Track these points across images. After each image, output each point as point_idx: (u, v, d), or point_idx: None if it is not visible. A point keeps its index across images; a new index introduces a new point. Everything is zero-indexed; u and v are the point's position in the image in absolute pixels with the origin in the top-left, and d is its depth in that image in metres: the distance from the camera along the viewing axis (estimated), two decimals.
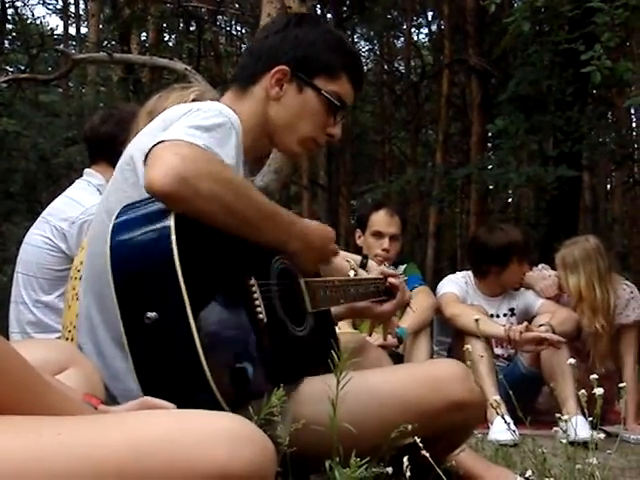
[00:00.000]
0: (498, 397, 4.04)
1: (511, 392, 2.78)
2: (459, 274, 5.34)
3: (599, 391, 2.08)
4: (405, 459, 1.69)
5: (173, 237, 1.73)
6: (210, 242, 1.86)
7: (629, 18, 6.72)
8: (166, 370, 1.75)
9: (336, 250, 2.33)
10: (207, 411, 1.30)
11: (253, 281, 1.95)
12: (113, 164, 2.23)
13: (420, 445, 1.80)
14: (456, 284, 5.14)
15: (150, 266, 1.78)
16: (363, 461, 1.65)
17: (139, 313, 1.72)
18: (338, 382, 1.76)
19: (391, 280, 2.72)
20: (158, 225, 1.78)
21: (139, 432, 1.20)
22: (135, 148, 2.08)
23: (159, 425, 1.23)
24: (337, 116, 2.38)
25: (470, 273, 5.23)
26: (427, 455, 1.76)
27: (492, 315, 5.04)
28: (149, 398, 1.54)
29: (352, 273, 2.76)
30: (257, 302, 1.94)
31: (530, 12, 7.26)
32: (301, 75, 2.32)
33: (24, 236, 3.83)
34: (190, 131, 1.88)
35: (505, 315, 5.07)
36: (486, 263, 5.05)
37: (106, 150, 3.67)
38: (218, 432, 1.21)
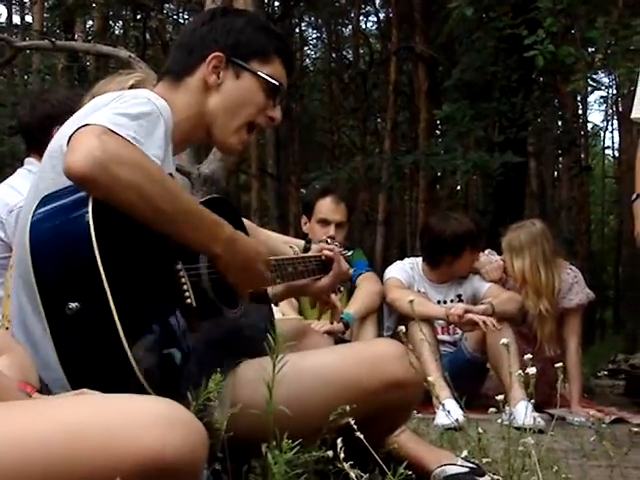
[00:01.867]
0: (441, 380, 4.07)
1: (453, 376, 2.80)
2: (406, 260, 5.35)
3: (532, 370, 2.09)
4: (339, 440, 1.68)
5: (91, 223, 1.70)
6: (131, 229, 1.82)
7: (571, 4, 6.79)
8: (91, 360, 1.73)
9: (267, 274, 2.26)
10: (137, 395, 1.29)
11: (180, 266, 1.93)
12: None
13: (354, 427, 1.78)
14: (402, 270, 5.15)
15: (69, 255, 1.75)
16: (295, 443, 1.63)
17: (61, 304, 1.69)
18: (274, 365, 1.74)
19: (325, 252, 2.70)
20: (77, 212, 1.75)
21: (68, 417, 1.19)
22: (64, 135, 2.03)
23: (88, 409, 1.22)
24: (276, 98, 2.37)
25: (418, 260, 5.24)
26: (362, 437, 1.74)
27: (439, 302, 5.06)
28: (87, 390, 1.52)
29: (292, 252, 2.74)
30: (185, 287, 1.92)
31: None
32: (236, 60, 2.30)
33: None
34: (116, 118, 1.85)
35: (452, 301, 5.09)
36: (440, 253, 5.06)
37: (41, 139, 3.61)
38: (148, 415, 1.20)
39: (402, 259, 5.54)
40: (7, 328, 2.44)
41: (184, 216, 1.90)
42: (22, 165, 3.88)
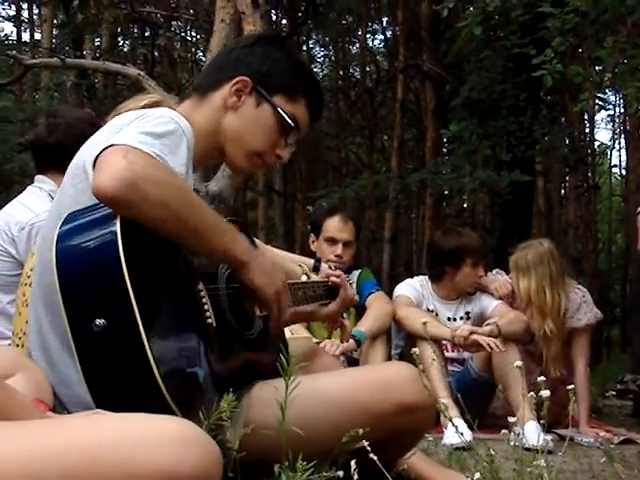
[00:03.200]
0: (449, 400, 4.06)
1: (460, 396, 2.79)
2: (416, 278, 5.36)
3: (545, 393, 2.09)
4: (353, 462, 1.68)
5: (119, 242, 1.71)
6: (157, 247, 1.85)
7: (579, 23, 6.80)
8: (117, 377, 1.74)
9: (285, 282, 2.28)
10: (153, 414, 1.29)
11: (201, 286, 1.95)
12: (64, 170, 2.20)
13: (368, 448, 1.78)
14: (412, 287, 5.16)
15: (97, 273, 1.76)
16: (309, 465, 1.64)
17: (87, 320, 1.70)
18: (287, 386, 1.74)
19: (332, 279, 2.71)
20: (104, 231, 1.77)
21: (83, 436, 1.19)
22: (86, 153, 2.05)
23: (104, 428, 1.22)
24: (289, 138, 2.38)
25: (427, 277, 5.25)
26: (375, 458, 1.75)
27: (449, 319, 5.07)
28: (101, 411, 1.52)
29: (304, 278, 2.76)
30: (206, 307, 1.94)
31: (482, 17, 7.32)
32: (261, 90, 2.31)
33: None
34: (140, 137, 1.87)
35: (462, 319, 5.10)
36: (440, 264, 5.07)
37: (56, 158, 3.62)
38: (164, 435, 1.20)
39: (409, 277, 5.55)
40: (17, 345, 2.45)
41: (211, 229, 1.94)
42: (32, 182, 3.90)
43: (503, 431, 2.64)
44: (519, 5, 7.83)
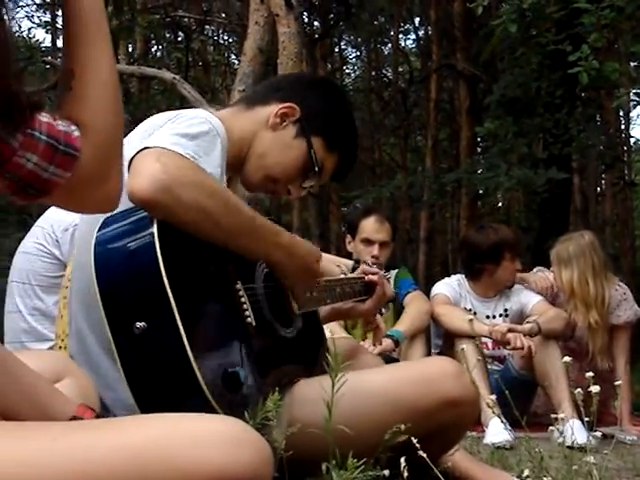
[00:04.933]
0: (493, 397, 4.05)
1: (501, 394, 2.77)
2: (453, 277, 5.34)
3: (595, 389, 2.07)
4: (402, 460, 1.68)
5: (157, 245, 1.72)
6: (195, 248, 1.86)
7: (615, 19, 6.74)
8: (158, 378, 1.75)
9: (319, 271, 2.29)
10: (204, 414, 1.29)
11: (240, 285, 1.95)
12: None
13: (417, 445, 1.78)
14: (449, 286, 5.15)
15: (136, 275, 1.77)
16: (360, 462, 1.63)
17: (127, 323, 1.71)
18: (333, 384, 1.74)
19: (369, 277, 2.71)
20: (141, 234, 1.78)
21: (134, 436, 1.19)
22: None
23: (156, 428, 1.22)
24: (307, 181, 2.39)
25: (464, 276, 5.23)
26: (424, 455, 1.74)
27: (488, 317, 5.05)
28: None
29: (341, 276, 2.76)
30: (245, 306, 1.94)
31: (517, 14, 7.28)
32: (305, 124, 2.32)
33: (15, 248, 3.79)
34: (174, 139, 1.87)
35: (500, 316, 5.07)
36: (479, 262, 5.05)
37: None
38: (215, 435, 1.20)
39: (445, 277, 5.54)
40: (60, 347, 2.47)
41: (247, 229, 1.95)
42: None
43: (550, 428, 2.62)
44: (554, 1, 7.79)
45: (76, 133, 1.31)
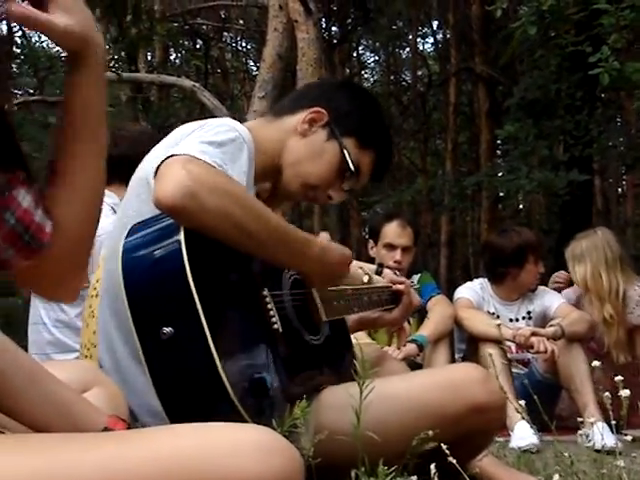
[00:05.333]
0: (522, 402, 4.03)
1: (526, 398, 2.76)
2: (475, 281, 5.32)
3: (625, 393, 2.05)
4: (432, 466, 1.67)
5: (184, 251, 1.73)
6: (221, 254, 1.86)
7: (635, 19, 6.71)
8: (185, 384, 1.75)
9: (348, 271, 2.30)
10: (233, 423, 1.29)
11: (266, 292, 1.95)
12: (126, 184, 2.23)
13: (447, 452, 1.77)
14: (472, 290, 5.13)
15: (163, 281, 1.78)
16: (391, 470, 1.63)
17: (155, 329, 1.72)
18: (361, 391, 1.74)
19: (396, 286, 2.71)
20: (168, 240, 1.78)
21: (164, 446, 1.19)
22: (148, 164, 2.07)
23: (186, 438, 1.21)
24: (345, 183, 2.37)
25: (486, 280, 5.22)
26: (454, 462, 1.74)
27: (511, 319, 5.03)
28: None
29: (366, 278, 2.75)
30: (272, 312, 1.94)
31: (536, 16, 7.26)
32: (334, 127, 2.31)
33: None
34: (201, 147, 1.88)
35: (524, 319, 5.05)
36: (503, 266, 5.02)
37: (120, 171, 3.66)
38: (246, 444, 1.20)
39: (466, 280, 5.52)
40: (86, 356, 2.48)
41: (275, 238, 1.93)
42: None
43: (580, 432, 2.61)
44: (573, 3, 7.76)
45: (48, 229, 1.32)
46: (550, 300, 5.03)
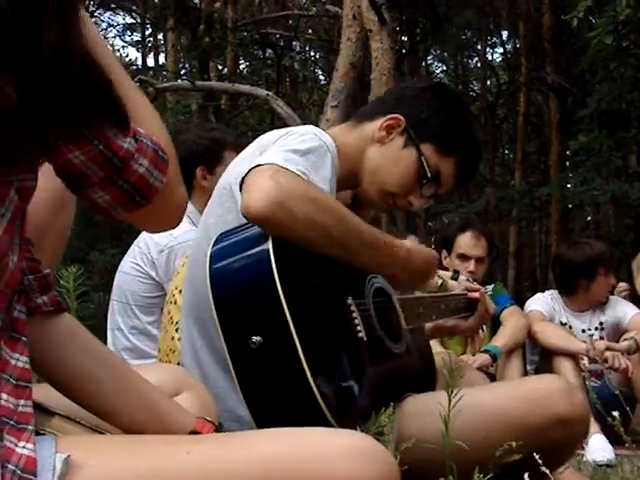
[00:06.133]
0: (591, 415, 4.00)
1: (611, 411, 2.73)
2: (547, 292, 5.27)
3: None
4: (526, 476, 1.66)
5: (273, 260, 1.73)
6: (308, 263, 1.87)
7: None
8: (274, 392, 1.76)
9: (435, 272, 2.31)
10: (328, 428, 1.30)
11: (351, 300, 1.96)
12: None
13: (539, 461, 1.77)
14: (543, 302, 5.08)
15: (252, 291, 1.79)
16: (487, 478, 1.63)
17: (244, 338, 1.73)
18: (450, 400, 1.75)
19: (472, 294, 2.69)
20: (256, 249, 1.79)
21: (264, 448, 1.20)
22: (233, 172, 2.10)
23: (284, 442, 1.22)
24: (424, 189, 2.32)
25: (557, 291, 5.17)
26: (547, 472, 1.73)
27: (583, 330, 4.97)
28: None
29: (440, 282, 2.75)
30: (356, 321, 1.94)
31: (612, 26, 7.18)
32: (411, 132, 2.28)
33: (109, 263, 3.87)
34: (286, 155, 1.89)
35: (596, 329, 5.00)
36: (574, 278, 4.98)
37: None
38: (343, 448, 1.20)
39: (535, 292, 5.48)
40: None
41: (364, 244, 1.95)
42: None
43: None
44: None
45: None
46: (623, 310, 4.97)
